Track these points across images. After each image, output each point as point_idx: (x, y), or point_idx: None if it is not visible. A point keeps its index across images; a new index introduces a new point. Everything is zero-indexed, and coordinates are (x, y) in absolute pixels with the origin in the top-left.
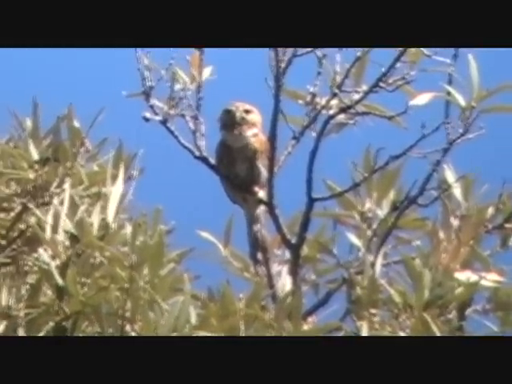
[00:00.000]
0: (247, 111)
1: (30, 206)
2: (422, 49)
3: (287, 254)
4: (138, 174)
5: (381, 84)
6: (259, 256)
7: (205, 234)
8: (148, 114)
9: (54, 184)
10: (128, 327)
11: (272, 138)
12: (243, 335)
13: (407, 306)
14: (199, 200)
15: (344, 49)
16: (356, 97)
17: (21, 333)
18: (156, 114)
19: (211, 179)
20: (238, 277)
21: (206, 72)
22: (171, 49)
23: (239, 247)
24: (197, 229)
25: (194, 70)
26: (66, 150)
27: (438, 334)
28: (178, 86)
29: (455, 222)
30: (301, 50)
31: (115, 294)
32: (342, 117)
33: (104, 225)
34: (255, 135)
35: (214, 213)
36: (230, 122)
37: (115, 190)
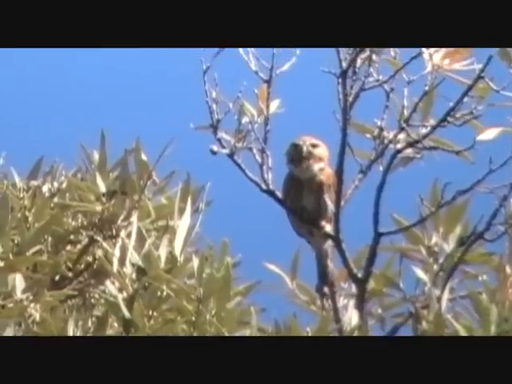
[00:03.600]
0: (314, 145)
1: (97, 238)
2: (490, 84)
3: (353, 288)
4: (205, 206)
5: (448, 118)
6: (326, 289)
7: (272, 267)
8: (215, 147)
9: (121, 217)
10: None
11: (339, 171)
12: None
13: None
14: (266, 233)
15: (411, 83)
16: (423, 131)
17: None
18: (223, 146)
19: (278, 212)
20: (305, 310)
21: (274, 105)
22: (238, 82)
23: (306, 280)
24: (264, 261)
25: (262, 103)
26: (134, 183)
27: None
28: (245, 119)
29: None
30: (369, 84)
31: (182, 326)
32: (409, 151)
33: (171, 258)
34: (322, 169)
35: (281, 246)
36: (297, 156)
37: (183, 223)
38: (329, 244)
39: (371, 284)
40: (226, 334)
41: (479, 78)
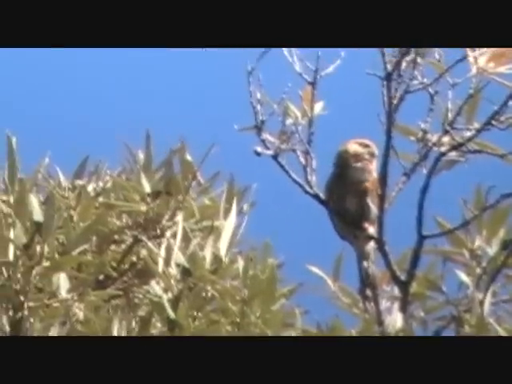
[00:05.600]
0: (366, 145)
1: (142, 238)
2: None
3: (396, 291)
4: (249, 208)
5: (493, 122)
6: (368, 292)
7: (314, 269)
8: (259, 149)
9: (166, 217)
10: None
11: (383, 174)
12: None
13: None
14: (309, 235)
15: (456, 86)
16: (468, 134)
17: None
18: (267, 148)
19: (321, 214)
20: (347, 312)
21: (318, 107)
22: (283, 83)
23: (348, 282)
24: (306, 263)
25: (306, 104)
26: (178, 184)
27: None
28: (289, 121)
29: None
30: (413, 87)
31: (226, 328)
32: (453, 154)
33: (216, 259)
34: (368, 171)
35: (324, 248)
36: (346, 156)
37: (228, 224)
38: (371, 246)
39: (414, 287)
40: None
41: None
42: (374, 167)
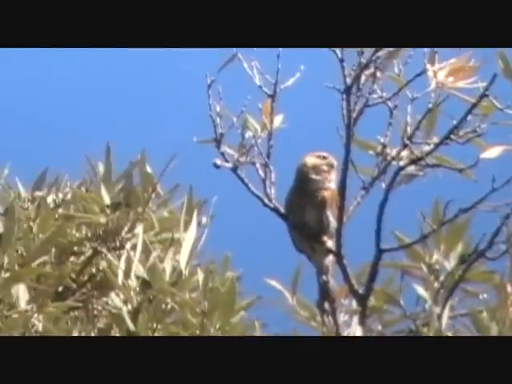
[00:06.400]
0: (324, 157)
1: (101, 250)
2: (494, 102)
3: (354, 304)
4: (208, 220)
5: (452, 136)
6: (326, 305)
7: (273, 282)
8: (218, 161)
9: (125, 229)
10: None
11: (342, 187)
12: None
13: None
14: (267, 248)
15: (415, 100)
16: (427, 148)
17: None
18: (226, 160)
19: (280, 227)
20: (305, 326)
21: (277, 120)
22: (242, 96)
23: (306, 296)
24: (265, 277)
25: (265, 117)
26: (138, 196)
27: None
28: (248, 134)
29: None
30: (373, 101)
31: None
32: (412, 168)
33: (176, 271)
34: (327, 185)
35: (282, 261)
36: (305, 169)
37: (188, 236)
38: (330, 260)
39: (372, 300)
40: None
41: (483, 96)
42: (333, 179)
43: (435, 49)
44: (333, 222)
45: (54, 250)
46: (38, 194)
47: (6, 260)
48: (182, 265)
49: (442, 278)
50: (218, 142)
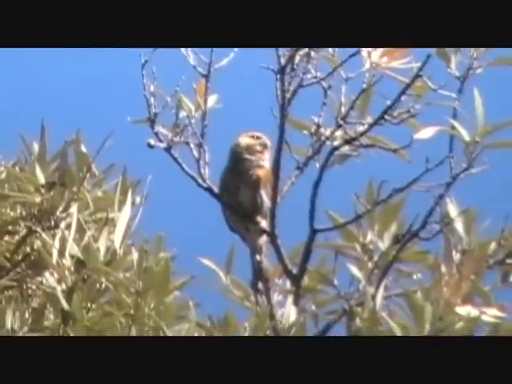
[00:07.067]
0: (257, 137)
1: (36, 229)
2: (427, 83)
3: (288, 284)
4: (142, 200)
5: (386, 116)
6: (260, 285)
7: (206, 262)
8: (152, 141)
9: (60, 208)
10: None
11: (276, 167)
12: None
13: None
14: (201, 227)
15: (349, 81)
16: (361, 129)
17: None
18: (160, 140)
19: (214, 207)
20: (239, 305)
21: (212, 100)
22: (177, 76)
23: (240, 276)
24: (198, 256)
25: (200, 97)
26: (73, 175)
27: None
28: (182, 114)
29: (457, 256)
30: (307, 81)
31: (120, 319)
32: (346, 148)
33: (110, 250)
34: (261, 164)
35: (216, 241)
36: (238, 149)
37: (122, 216)
38: (264, 240)
39: (305, 281)
40: (165, 328)
41: (417, 76)
42: (267, 159)
43: None
44: (267, 202)
45: None
46: None
47: None
48: (117, 244)
49: (375, 258)
50: (152, 121)
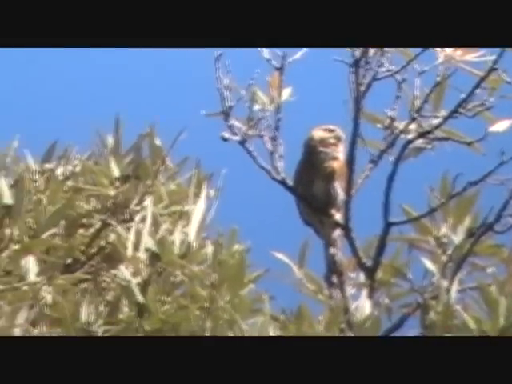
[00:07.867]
0: (331, 130)
1: (110, 222)
2: (502, 75)
3: (361, 278)
4: (216, 193)
5: (460, 110)
6: (334, 279)
7: (280, 256)
8: (226, 134)
9: (134, 201)
10: None
11: (350, 160)
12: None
13: (482, 332)
14: (275, 221)
15: (423, 74)
16: (435, 122)
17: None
18: (235, 134)
19: (288, 201)
20: (312, 299)
21: (285, 93)
22: (251, 70)
23: (314, 269)
24: (272, 250)
25: (274, 90)
26: (147, 168)
27: None
28: (256, 107)
29: None
30: (381, 74)
31: (195, 312)
32: (420, 141)
33: (185, 243)
34: (335, 157)
35: (290, 234)
36: (313, 142)
37: (197, 209)
38: (338, 233)
39: (379, 274)
40: (240, 321)
41: (492, 69)
42: (341, 151)
43: None
44: (341, 195)
45: (63, 222)
46: (48, 166)
47: (15, 232)
48: (191, 237)
49: (449, 251)
50: (226, 115)
